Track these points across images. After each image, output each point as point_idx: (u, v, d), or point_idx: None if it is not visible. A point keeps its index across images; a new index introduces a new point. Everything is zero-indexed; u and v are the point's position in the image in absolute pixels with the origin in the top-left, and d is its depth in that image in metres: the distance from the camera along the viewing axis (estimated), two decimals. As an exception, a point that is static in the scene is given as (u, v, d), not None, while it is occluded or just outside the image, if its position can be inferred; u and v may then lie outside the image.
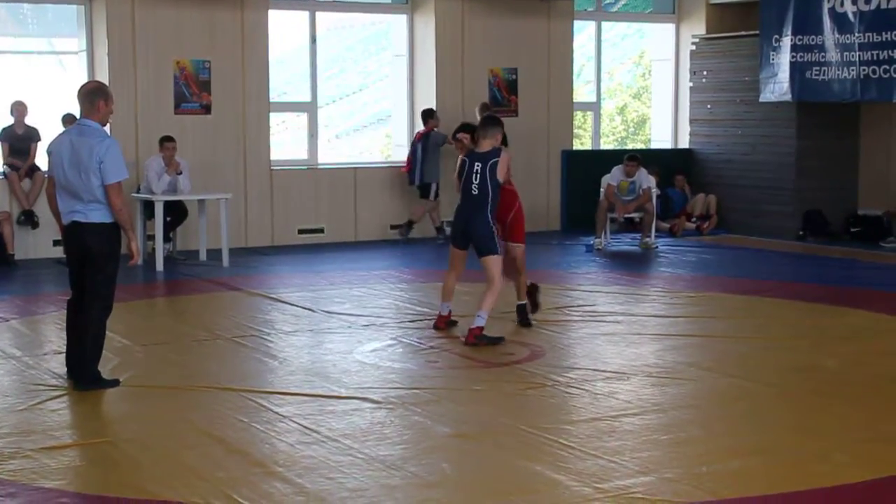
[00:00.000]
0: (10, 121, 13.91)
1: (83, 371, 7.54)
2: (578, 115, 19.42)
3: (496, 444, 6.46)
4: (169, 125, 14.21)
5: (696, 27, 18.04)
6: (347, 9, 17.61)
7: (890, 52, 14.62)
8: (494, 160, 8.97)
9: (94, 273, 7.50)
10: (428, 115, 15.72)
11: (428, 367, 8.33)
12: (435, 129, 15.62)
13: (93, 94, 7.57)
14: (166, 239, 13.60)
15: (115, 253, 7.57)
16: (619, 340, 9.17)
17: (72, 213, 7.51)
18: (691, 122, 18.01)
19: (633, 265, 14.03)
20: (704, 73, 17.66)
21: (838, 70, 15.27)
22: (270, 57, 15.35)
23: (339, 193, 15.70)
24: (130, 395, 7.50)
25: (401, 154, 16.80)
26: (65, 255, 7.90)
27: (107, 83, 14.09)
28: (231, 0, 14.75)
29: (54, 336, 9.21)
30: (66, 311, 7.82)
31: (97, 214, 7.44)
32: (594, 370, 8.11)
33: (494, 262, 9.03)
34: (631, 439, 6.46)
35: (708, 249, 15.13)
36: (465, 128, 10.07)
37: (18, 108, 13.90)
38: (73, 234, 7.55)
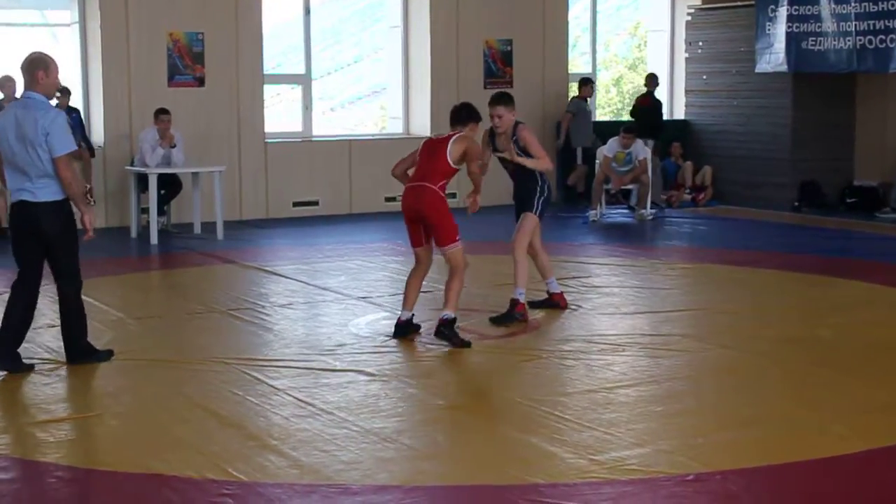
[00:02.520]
0: (-1, 96, 13.78)
1: (75, 347, 7.49)
2: (574, 86, 19.32)
3: (491, 416, 6.46)
4: (162, 98, 14.14)
5: (692, -3, 17.97)
6: (341, -20, 17.50)
7: (886, 22, 14.57)
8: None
9: (57, 255, 7.33)
10: (581, 82, 16.66)
11: (423, 339, 8.30)
12: (583, 97, 16.56)
13: (32, 66, 7.28)
14: (160, 212, 13.56)
15: (71, 229, 7.38)
16: (615, 312, 9.15)
17: (20, 192, 7.24)
18: (687, 93, 17.95)
19: (628, 237, 14.01)
20: (700, 43, 17.60)
21: (834, 40, 15.21)
22: (264, 29, 15.27)
23: (334, 166, 15.65)
24: (124, 369, 7.48)
25: (396, 126, 16.77)
26: (10, 232, 7.54)
27: (100, 56, 14.12)
28: (224, -29, 14.69)
29: (47, 310, 9.15)
30: (12, 290, 7.49)
31: (46, 192, 7.19)
32: (589, 342, 8.10)
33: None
34: (626, 411, 6.46)
35: (703, 221, 15.11)
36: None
37: (7, 84, 13.75)
38: (22, 214, 7.28)
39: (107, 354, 7.60)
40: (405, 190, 8.27)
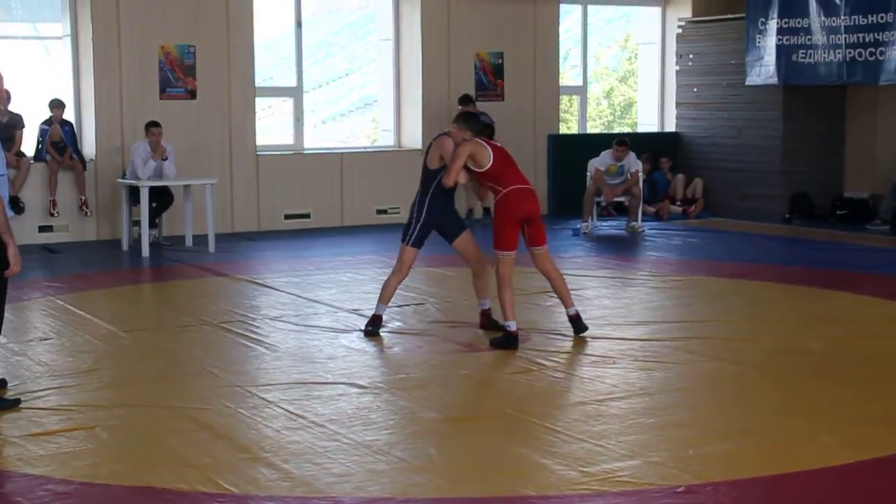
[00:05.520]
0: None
1: None
2: (565, 99, 19.40)
3: (482, 428, 6.46)
4: (154, 110, 14.16)
5: (683, 10, 18.01)
6: (333, -7, 17.53)
7: (876, 34, 14.64)
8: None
9: None
10: (460, 100, 15.31)
11: (414, 351, 8.31)
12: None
13: None
14: (152, 224, 13.55)
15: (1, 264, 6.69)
16: (606, 324, 9.16)
17: None
18: (678, 105, 18.00)
19: (619, 249, 14.03)
20: (691, 56, 17.65)
21: (824, 53, 15.28)
22: (256, 41, 15.29)
23: (325, 178, 15.67)
24: (116, 382, 7.47)
25: (387, 139, 16.78)
26: None
27: (91, 69, 14.12)
28: (216, -16, 14.71)
29: (40, 322, 9.18)
30: None
31: None
32: (580, 354, 8.11)
33: (403, 251, 8.79)
34: (617, 423, 6.47)
35: (694, 233, 15.14)
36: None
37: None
38: None
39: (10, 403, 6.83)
40: (519, 192, 8.39)
